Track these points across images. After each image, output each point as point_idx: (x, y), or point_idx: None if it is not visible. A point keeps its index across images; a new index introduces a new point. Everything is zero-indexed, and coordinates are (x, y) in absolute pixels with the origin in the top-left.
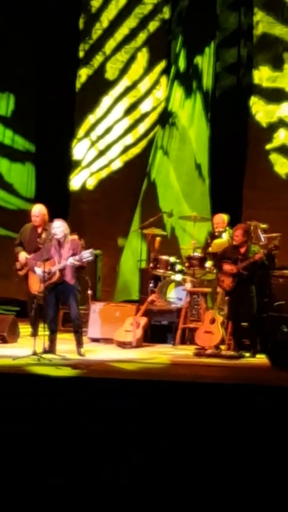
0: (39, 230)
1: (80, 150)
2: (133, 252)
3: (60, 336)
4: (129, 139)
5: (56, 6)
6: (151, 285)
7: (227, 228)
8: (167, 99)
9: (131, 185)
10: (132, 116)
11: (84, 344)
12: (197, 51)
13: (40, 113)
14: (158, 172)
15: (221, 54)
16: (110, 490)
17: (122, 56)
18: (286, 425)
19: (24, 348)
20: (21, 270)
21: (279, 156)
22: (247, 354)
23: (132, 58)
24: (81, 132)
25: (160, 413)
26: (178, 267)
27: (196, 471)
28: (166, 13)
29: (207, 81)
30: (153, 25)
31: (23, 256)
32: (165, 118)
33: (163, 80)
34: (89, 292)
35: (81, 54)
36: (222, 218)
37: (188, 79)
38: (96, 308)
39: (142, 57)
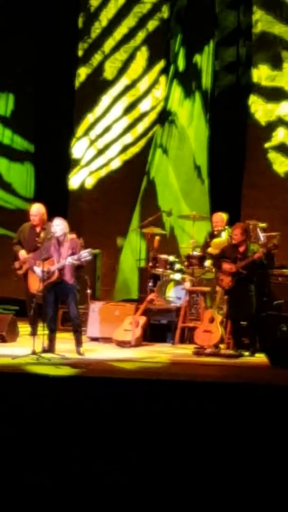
0: (38, 229)
1: (79, 149)
2: (133, 250)
3: (59, 335)
4: (128, 138)
5: (55, 6)
6: (150, 284)
7: (226, 227)
8: (166, 98)
9: (130, 184)
10: (131, 115)
11: (83, 343)
12: (196, 50)
13: (39, 112)
14: (157, 170)
15: (220, 53)
16: (110, 490)
17: (121, 55)
18: (285, 424)
19: (23, 348)
20: (20, 270)
21: (278, 154)
22: (246, 353)
23: (131, 57)
24: (80, 131)
25: (160, 412)
26: (177, 266)
27: (195, 471)
28: (165, 12)
29: (206, 80)
30: (152, 24)
31: (22, 254)
32: (164, 117)
33: (162, 79)
34: (88, 291)
35: (80, 53)
36: (221, 217)
37: (187, 78)
38: (95, 307)
39: (141, 56)
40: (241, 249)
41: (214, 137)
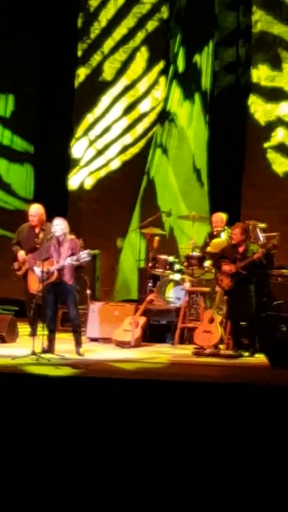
0: (37, 230)
1: (78, 149)
2: (132, 251)
3: (59, 335)
4: (128, 138)
5: (54, 6)
6: (150, 284)
7: (226, 227)
8: (166, 99)
9: (130, 185)
10: (130, 115)
11: (83, 343)
12: (195, 51)
13: (39, 113)
14: (156, 171)
15: (219, 53)
16: (109, 491)
17: (120, 56)
18: (285, 424)
19: (23, 348)
20: (19, 270)
21: (277, 155)
22: (246, 354)
23: (130, 58)
24: (79, 131)
25: (159, 413)
26: (177, 266)
27: (195, 471)
28: (164, 12)
29: (206, 80)
30: (151, 25)
31: (21, 255)
32: (164, 117)
33: (162, 80)
34: (88, 291)
35: (79, 53)
36: (221, 217)
37: (186, 79)
38: (95, 307)
39: (141, 57)
40: (241, 249)
41: (213, 137)
